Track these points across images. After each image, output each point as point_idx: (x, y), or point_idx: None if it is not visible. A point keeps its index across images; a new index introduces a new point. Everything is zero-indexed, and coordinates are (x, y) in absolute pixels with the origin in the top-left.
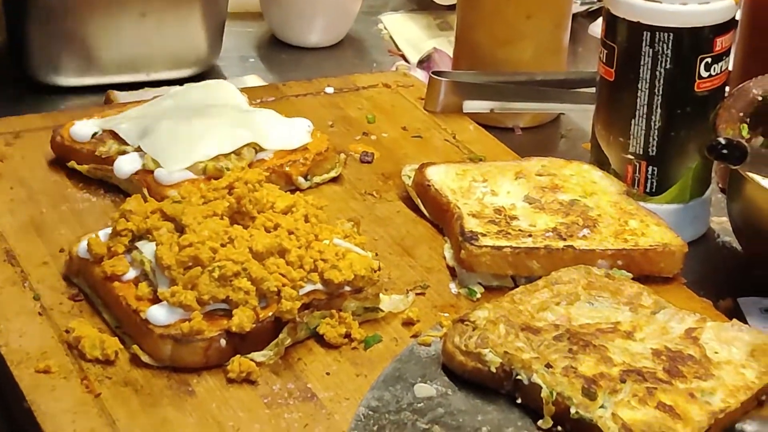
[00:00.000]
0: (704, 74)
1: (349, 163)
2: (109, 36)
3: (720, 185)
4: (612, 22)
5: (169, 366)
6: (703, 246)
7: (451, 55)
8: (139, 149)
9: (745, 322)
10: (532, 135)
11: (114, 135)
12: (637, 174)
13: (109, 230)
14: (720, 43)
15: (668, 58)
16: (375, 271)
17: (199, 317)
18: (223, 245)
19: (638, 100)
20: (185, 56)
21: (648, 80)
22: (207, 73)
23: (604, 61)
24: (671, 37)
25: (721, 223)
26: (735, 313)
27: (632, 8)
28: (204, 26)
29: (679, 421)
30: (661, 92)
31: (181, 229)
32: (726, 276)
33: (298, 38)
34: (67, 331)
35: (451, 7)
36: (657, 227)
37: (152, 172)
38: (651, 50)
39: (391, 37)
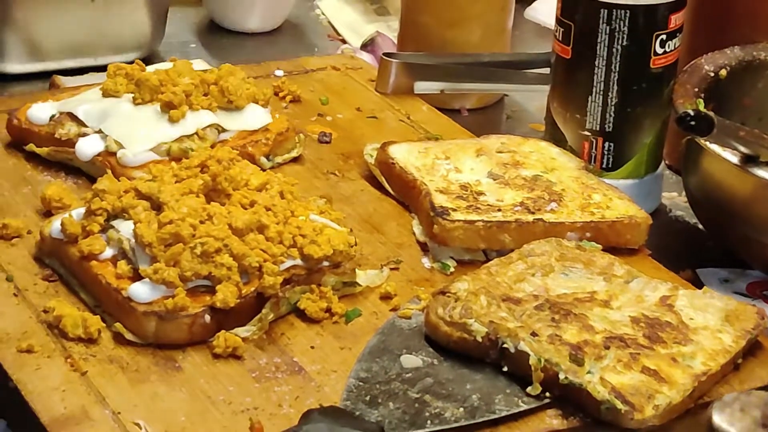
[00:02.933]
0: (659, 51)
1: (307, 144)
2: (55, 21)
3: (667, 162)
4: (568, 1)
5: (153, 343)
6: (657, 220)
7: (394, 39)
8: (99, 131)
9: None
10: (478, 116)
11: (72, 117)
12: (593, 150)
13: (81, 210)
14: (674, 20)
15: (625, 35)
16: (352, 246)
17: (182, 293)
18: (202, 222)
19: (595, 77)
20: (129, 41)
21: (605, 57)
22: (149, 58)
23: (561, 39)
24: (628, 15)
25: (671, 198)
26: (695, 284)
27: None
28: (148, 10)
29: (664, 384)
30: (617, 69)
31: (157, 207)
32: (682, 248)
33: (237, 24)
34: (45, 311)
35: None
36: (620, 200)
37: (115, 153)
38: (608, 27)
39: (329, 21)
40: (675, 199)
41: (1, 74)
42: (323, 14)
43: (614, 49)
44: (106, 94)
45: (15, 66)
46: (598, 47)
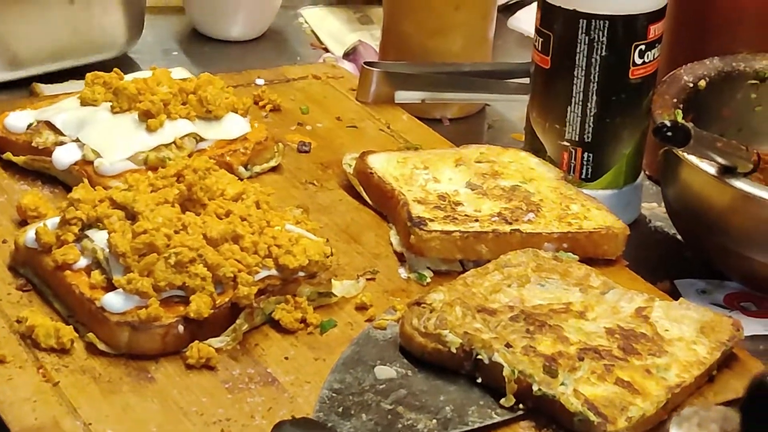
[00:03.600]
0: (638, 61)
1: (286, 153)
2: (32, 27)
3: (647, 172)
4: (548, 11)
5: (126, 353)
6: (636, 231)
7: (376, 48)
8: (77, 140)
9: None
10: (459, 126)
11: (50, 126)
12: (572, 160)
13: (56, 219)
14: (653, 30)
15: (604, 46)
16: (327, 257)
17: (156, 304)
18: (176, 232)
19: (574, 87)
20: (107, 40)
21: (584, 68)
22: (128, 65)
23: (540, 49)
24: (607, 25)
25: (651, 209)
26: (672, 295)
27: None
28: (124, 10)
29: (638, 396)
30: (596, 79)
31: (132, 217)
32: (661, 259)
33: (220, 32)
34: (18, 321)
35: (371, 1)
36: (598, 211)
37: (92, 162)
38: (587, 38)
39: (312, 30)
40: (655, 210)
41: None
42: (306, 23)
43: (593, 60)
44: (84, 102)
45: None
46: (577, 57)
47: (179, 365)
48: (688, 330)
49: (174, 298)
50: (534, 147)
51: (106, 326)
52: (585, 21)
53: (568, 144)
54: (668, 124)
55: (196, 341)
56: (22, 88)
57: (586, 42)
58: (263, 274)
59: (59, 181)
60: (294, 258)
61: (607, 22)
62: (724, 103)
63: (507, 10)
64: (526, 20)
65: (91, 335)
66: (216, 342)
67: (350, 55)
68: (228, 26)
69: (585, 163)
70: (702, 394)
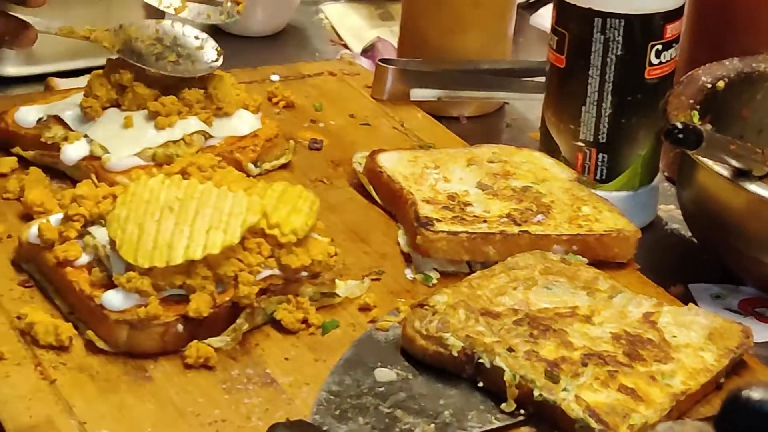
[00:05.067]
0: (654, 61)
1: (298, 151)
2: (51, 22)
3: (666, 174)
4: (563, 9)
5: (125, 352)
6: (652, 233)
7: (395, 44)
8: (86, 135)
9: None
10: (477, 124)
11: (59, 121)
12: (587, 161)
13: (59, 215)
14: (670, 30)
15: (619, 45)
16: (331, 257)
17: (155, 302)
18: None
19: (589, 87)
20: None
21: (599, 67)
22: None
23: (555, 48)
24: (622, 24)
25: (668, 211)
26: (686, 299)
27: None
28: (144, 9)
29: (641, 403)
30: (611, 79)
31: None
32: (676, 263)
33: (239, 27)
34: (18, 317)
35: None
36: (610, 213)
37: (100, 158)
38: (602, 37)
39: (332, 26)
40: (672, 212)
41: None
42: (327, 18)
43: (608, 59)
44: (86, 103)
45: (11, 69)
46: (592, 57)
47: (178, 364)
48: (696, 336)
49: (174, 296)
50: (549, 147)
51: (105, 324)
52: (600, 20)
53: (582, 144)
54: (679, 126)
55: (195, 341)
56: (39, 83)
57: (602, 41)
58: (265, 273)
59: (68, 176)
60: (296, 257)
61: (622, 21)
62: (743, 105)
63: (530, 7)
64: (548, 17)
65: (90, 333)
66: (216, 342)
67: (368, 51)
68: (248, 22)
69: (600, 164)
70: (709, 402)
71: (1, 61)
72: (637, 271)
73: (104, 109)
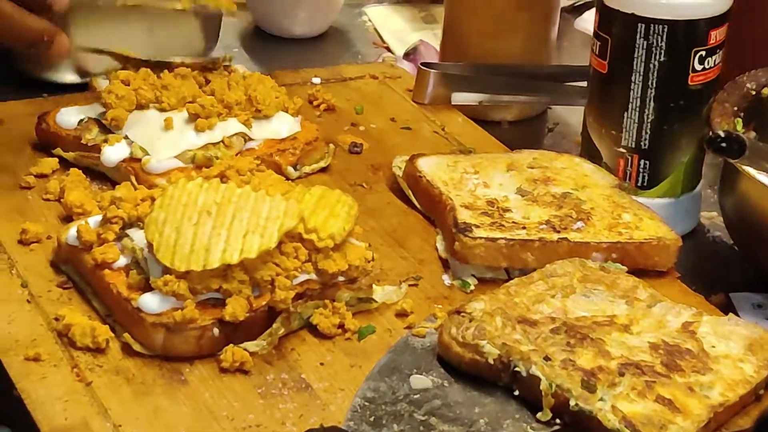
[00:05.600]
0: (698, 67)
1: (337, 154)
2: (109, 37)
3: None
4: (606, 14)
5: (161, 355)
6: (694, 241)
7: (438, 48)
8: (126, 137)
9: None
10: (519, 129)
11: (100, 123)
12: (629, 167)
13: (98, 217)
14: (714, 36)
15: (662, 51)
16: (369, 262)
17: (191, 306)
18: None
19: (631, 93)
20: (181, 53)
21: (641, 73)
22: None
23: (597, 53)
24: (666, 30)
25: (711, 218)
26: (727, 309)
27: (627, 0)
28: (201, 22)
29: (678, 415)
30: (654, 85)
31: None
32: (717, 271)
33: (282, 29)
34: (56, 319)
35: (436, 0)
36: (651, 221)
37: (140, 160)
38: (645, 42)
39: (375, 29)
40: (714, 220)
41: (56, 83)
42: (370, 21)
43: (651, 65)
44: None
45: (69, 77)
46: (634, 62)
47: (213, 368)
48: (735, 347)
49: (210, 300)
50: (590, 153)
51: (141, 327)
52: (643, 25)
53: (624, 151)
54: (722, 134)
55: (231, 344)
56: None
57: (645, 47)
58: (302, 278)
59: (108, 178)
60: (333, 262)
61: (666, 26)
62: None
63: (574, 11)
64: (592, 21)
65: (126, 335)
66: (251, 346)
67: (410, 54)
68: (291, 23)
69: (641, 170)
70: (748, 414)
71: (60, 69)
72: (678, 279)
73: (141, 109)
